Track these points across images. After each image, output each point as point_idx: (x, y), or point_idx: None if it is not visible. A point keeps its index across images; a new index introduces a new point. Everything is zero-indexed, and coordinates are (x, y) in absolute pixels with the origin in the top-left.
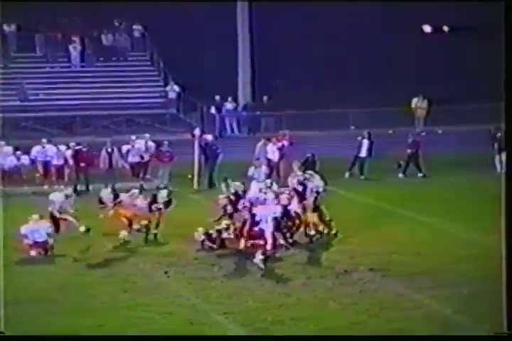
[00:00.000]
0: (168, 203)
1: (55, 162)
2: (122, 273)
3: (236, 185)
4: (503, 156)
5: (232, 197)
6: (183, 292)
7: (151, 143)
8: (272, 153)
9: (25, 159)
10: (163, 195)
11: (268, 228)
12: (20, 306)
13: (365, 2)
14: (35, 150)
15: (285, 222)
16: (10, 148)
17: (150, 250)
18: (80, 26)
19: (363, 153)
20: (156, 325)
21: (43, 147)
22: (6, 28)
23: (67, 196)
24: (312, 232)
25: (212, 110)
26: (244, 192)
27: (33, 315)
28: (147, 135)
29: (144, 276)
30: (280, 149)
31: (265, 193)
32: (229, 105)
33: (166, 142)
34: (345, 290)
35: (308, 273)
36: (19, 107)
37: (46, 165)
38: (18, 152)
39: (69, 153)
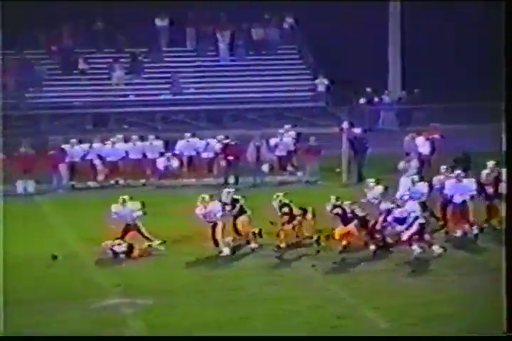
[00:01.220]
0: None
1: (204, 155)
2: (269, 265)
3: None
4: None
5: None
6: (330, 286)
7: (296, 137)
8: (423, 146)
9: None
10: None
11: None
12: (165, 298)
13: None
14: (180, 144)
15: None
16: (160, 142)
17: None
18: (231, 20)
19: None
20: (303, 318)
21: (188, 141)
22: (158, 22)
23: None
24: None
25: (362, 102)
26: None
27: (176, 307)
28: (293, 129)
29: (291, 269)
30: (431, 143)
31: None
32: (386, 98)
33: (313, 137)
34: (496, 287)
35: (460, 270)
36: (171, 101)
37: (192, 158)
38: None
39: (218, 146)
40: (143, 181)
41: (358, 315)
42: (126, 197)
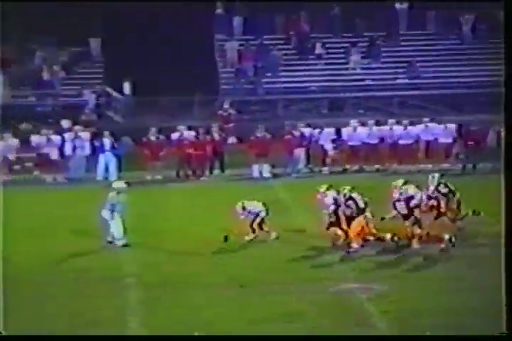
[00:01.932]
0: None
1: (442, 140)
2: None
3: None
4: None
5: None
6: None
7: None
8: None
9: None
10: None
11: None
12: (398, 283)
13: None
14: (418, 129)
15: None
16: (399, 127)
17: None
18: (474, 3)
19: None
20: None
21: (426, 126)
22: (397, 5)
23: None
24: None
25: None
26: None
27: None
28: None
29: None
30: None
31: None
32: None
33: None
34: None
35: None
36: (408, 85)
37: (430, 143)
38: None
39: (456, 131)
40: (377, 166)
41: None
42: (245, 201)
